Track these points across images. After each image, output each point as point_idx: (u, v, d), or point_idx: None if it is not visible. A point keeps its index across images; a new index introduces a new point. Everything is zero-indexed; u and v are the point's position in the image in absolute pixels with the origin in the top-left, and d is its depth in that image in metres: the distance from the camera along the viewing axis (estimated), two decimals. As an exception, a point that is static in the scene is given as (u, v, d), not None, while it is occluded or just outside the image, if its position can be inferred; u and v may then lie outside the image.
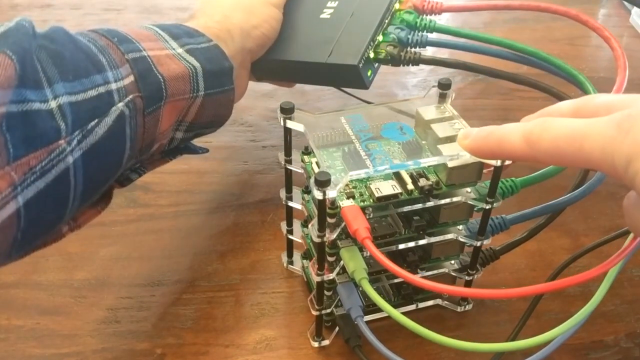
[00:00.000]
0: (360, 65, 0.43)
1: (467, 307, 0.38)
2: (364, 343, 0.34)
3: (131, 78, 0.33)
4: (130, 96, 0.33)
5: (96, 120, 0.31)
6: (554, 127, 0.26)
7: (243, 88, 0.45)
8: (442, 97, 0.35)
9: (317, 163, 0.34)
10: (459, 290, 0.32)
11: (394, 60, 0.45)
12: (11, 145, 0.26)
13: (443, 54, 0.61)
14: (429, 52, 0.71)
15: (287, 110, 0.33)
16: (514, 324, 0.36)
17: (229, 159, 0.51)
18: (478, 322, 0.38)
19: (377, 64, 0.45)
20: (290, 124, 0.33)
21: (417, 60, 0.46)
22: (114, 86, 0.32)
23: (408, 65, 0.46)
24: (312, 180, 0.28)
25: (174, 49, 0.36)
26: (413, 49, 0.46)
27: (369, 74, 0.44)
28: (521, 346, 0.28)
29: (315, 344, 0.36)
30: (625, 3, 0.80)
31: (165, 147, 0.38)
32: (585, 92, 0.44)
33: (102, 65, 0.32)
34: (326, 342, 0.36)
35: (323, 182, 0.28)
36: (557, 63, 0.48)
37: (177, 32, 0.38)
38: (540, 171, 0.38)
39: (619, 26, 0.75)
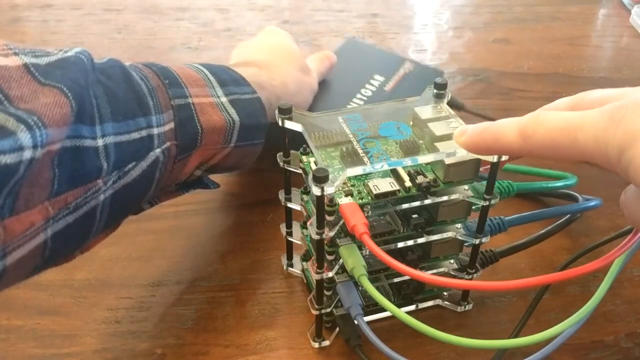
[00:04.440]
0: None
1: (467, 307, 0.38)
2: (364, 343, 0.34)
3: (171, 125, 0.33)
4: (168, 143, 0.33)
5: (134, 163, 0.31)
6: (548, 119, 0.27)
7: None
8: (439, 97, 0.35)
9: (315, 163, 0.34)
10: (461, 283, 0.32)
11: None
12: (57, 182, 0.27)
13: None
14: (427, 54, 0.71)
15: (286, 111, 0.33)
16: (514, 324, 0.36)
17: (229, 159, 0.51)
18: (478, 322, 0.38)
19: None
20: (288, 124, 0.33)
21: None
22: (155, 131, 0.32)
23: None
24: (310, 177, 0.29)
25: (218, 96, 0.37)
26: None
27: None
28: (523, 343, 0.28)
29: (316, 345, 0.36)
30: (625, 3, 0.79)
31: (181, 180, 0.38)
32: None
33: (149, 108, 0.32)
34: (326, 343, 0.36)
35: (321, 178, 0.28)
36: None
37: (225, 78, 0.38)
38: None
39: (619, 26, 0.75)
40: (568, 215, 0.41)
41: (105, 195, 0.30)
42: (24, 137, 0.24)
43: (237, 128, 0.37)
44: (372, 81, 0.54)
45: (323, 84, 0.53)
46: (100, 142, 0.29)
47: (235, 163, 0.40)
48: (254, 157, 0.41)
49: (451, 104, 0.53)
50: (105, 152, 0.29)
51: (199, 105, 0.35)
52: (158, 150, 0.32)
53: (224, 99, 0.37)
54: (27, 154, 0.24)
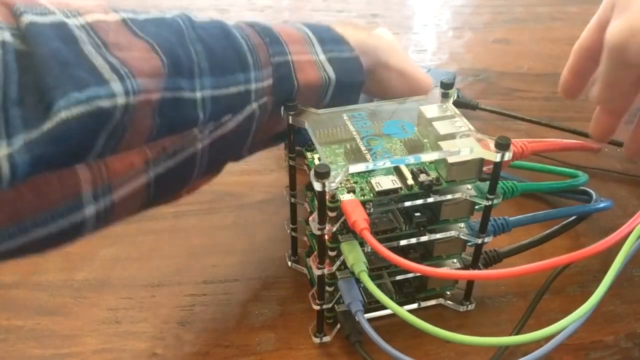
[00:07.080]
0: None
1: (469, 307, 0.38)
2: (365, 341, 0.34)
3: (270, 81, 0.35)
4: (265, 98, 0.34)
5: (230, 115, 0.33)
6: None
7: None
8: (445, 97, 0.35)
9: (319, 159, 0.34)
10: (464, 273, 0.32)
11: None
12: (156, 129, 0.30)
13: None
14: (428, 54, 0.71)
15: (291, 107, 0.33)
16: (514, 324, 0.36)
17: (229, 159, 0.51)
18: (479, 322, 0.38)
19: None
20: (293, 121, 0.33)
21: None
22: (253, 86, 0.34)
23: None
24: (311, 173, 0.29)
25: (317, 54, 0.37)
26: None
27: None
28: (523, 340, 0.28)
29: (317, 340, 0.36)
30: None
31: (278, 131, 0.39)
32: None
33: (248, 65, 0.34)
34: (327, 339, 0.36)
35: (322, 174, 0.28)
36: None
37: (325, 36, 0.39)
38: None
39: (618, 27, 0.75)
40: (574, 217, 0.41)
41: (203, 143, 0.32)
42: (116, 86, 0.27)
43: (332, 85, 0.38)
44: None
45: None
46: (198, 94, 0.31)
47: None
48: None
49: (464, 104, 0.53)
50: (202, 103, 0.31)
51: (297, 63, 0.36)
52: (255, 105, 0.34)
53: (322, 57, 0.37)
54: (120, 100, 0.27)
